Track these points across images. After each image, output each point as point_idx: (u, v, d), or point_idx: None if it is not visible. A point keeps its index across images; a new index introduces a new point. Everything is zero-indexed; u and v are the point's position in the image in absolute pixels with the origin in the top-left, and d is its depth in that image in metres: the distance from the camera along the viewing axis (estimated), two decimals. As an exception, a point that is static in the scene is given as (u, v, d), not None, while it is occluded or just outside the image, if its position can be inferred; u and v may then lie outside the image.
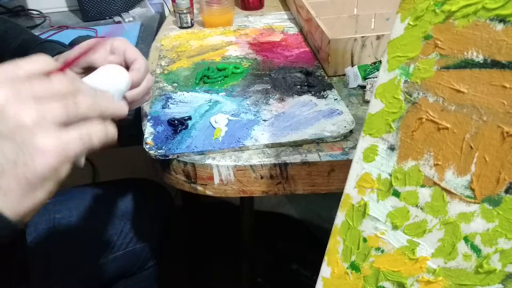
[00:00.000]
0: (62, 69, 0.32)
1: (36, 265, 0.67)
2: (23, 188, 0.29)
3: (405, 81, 0.29)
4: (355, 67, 0.67)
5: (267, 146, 0.55)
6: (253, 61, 0.76)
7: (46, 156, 0.29)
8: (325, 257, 0.38)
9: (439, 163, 0.30)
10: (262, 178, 0.54)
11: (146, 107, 0.66)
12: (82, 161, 0.36)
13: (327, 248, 0.38)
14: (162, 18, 1.12)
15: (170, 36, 0.89)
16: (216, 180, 0.55)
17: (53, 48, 0.57)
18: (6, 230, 0.29)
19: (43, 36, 0.97)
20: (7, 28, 0.64)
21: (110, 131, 0.34)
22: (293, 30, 0.88)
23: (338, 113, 0.59)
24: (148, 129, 0.59)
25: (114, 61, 0.50)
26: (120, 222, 0.76)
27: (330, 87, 0.66)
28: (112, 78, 0.45)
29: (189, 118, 0.60)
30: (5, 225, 0.29)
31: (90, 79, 0.43)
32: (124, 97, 0.48)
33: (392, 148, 0.31)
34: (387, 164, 0.32)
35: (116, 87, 0.45)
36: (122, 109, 0.37)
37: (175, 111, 0.62)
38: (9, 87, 0.29)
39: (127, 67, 0.50)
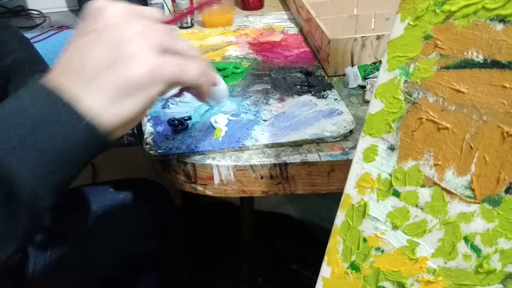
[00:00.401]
0: (172, 21, 0.36)
1: (36, 265, 0.67)
2: (114, 92, 0.30)
3: (405, 81, 0.29)
4: (355, 67, 0.67)
5: (267, 146, 0.55)
6: (253, 61, 0.76)
7: (140, 65, 0.31)
8: (325, 257, 0.38)
9: (439, 163, 0.30)
10: (262, 178, 0.54)
11: (146, 107, 0.66)
12: (171, 92, 0.37)
13: (327, 248, 0.38)
14: (162, 18, 1.12)
15: (170, 36, 0.89)
16: (216, 180, 0.55)
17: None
18: (97, 140, 0.30)
19: (43, 36, 0.97)
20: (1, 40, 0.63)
21: (204, 75, 0.36)
22: (293, 30, 0.88)
23: (338, 113, 0.59)
24: (148, 129, 0.59)
25: None
26: (120, 222, 0.76)
27: (330, 87, 0.66)
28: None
29: (189, 118, 0.60)
30: (97, 135, 0.30)
31: None
32: None
33: (392, 148, 0.31)
34: (387, 164, 0.32)
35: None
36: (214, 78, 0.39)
37: (175, 111, 0.62)
38: (123, 12, 0.32)
39: None
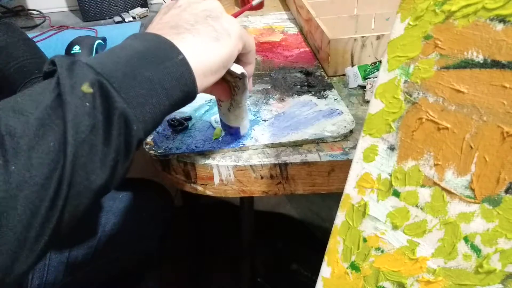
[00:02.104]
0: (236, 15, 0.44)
1: (36, 265, 0.67)
2: (208, 37, 0.37)
3: (405, 81, 0.29)
4: (355, 67, 0.67)
5: (267, 146, 0.55)
6: (253, 61, 0.76)
7: (225, 16, 0.40)
8: (325, 257, 0.38)
9: (439, 163, 0.30)
10: (262, 178, 0.54)
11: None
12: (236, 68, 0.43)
13: (327, 248, 0.38)
14: (162, 18, 1.12)
15: (170, 36, 0.89)
16: (216, 180, 0.55)
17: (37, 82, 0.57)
18: (188, 76, 0.35)
19: (43, 36, 0.97)
20: (7, 44, 0.64)
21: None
22: (293, 30, 0.88)
23: (338, 113, 0.59)
24: (148, 129, 0.59)
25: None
26: (120, 222, 0.76)
27: (330, 87, 0.66)
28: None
29: (189, 118, 0.60)
30: (189, 70, 0.35)
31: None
32: None
33: (392, 148, 0.31)
34: (387, 164, 0.32)
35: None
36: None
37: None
38: None
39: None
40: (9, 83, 0.59)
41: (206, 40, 0.37)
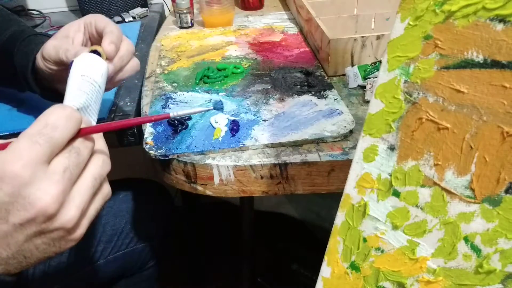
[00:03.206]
0: (88, 132, 0.34)
1: (36, 266, 0.67)
2: (41, 262, 0.34)
3: (405, 81, 0.29)
4: (355, 67, 0.67)
5: (267, 146, 0.55)
6: (253, 61, 0.76)
7: (74, 243, 0.36)
8: (325, 257, 0.38)
9: (439, 163, 0.29)
10: (262, 178, 0.54)
11: (146, 107, 0.66)
12: None
13: (327, 248, 0.38)
14: (162, 18, 1.12)
15: (170, 36, 0.89)
16: (216, 180, 0.55)
17: (37, 42, 0.56)
18: None
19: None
20: None
21: (109, 191, 0.38)
22: (293, 30, 0.88)
23: (338, 113, 0.59)
24: (148, 129, 0.59)
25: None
26: (120, 222, 0.76)
27: (330, 87, 0.66)
28: (92, 73, 0.44)
29: (189, 118, 0.60)
30: None
31: (71, 90, 0.42)
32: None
33: (392, 148, 0.31)
34: (387, 164, 0.32)
35: (99, 80, 0.44)
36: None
37: (175, 111, 0.62)
38: (57, 188, 0.30)
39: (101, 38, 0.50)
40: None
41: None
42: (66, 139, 0.32)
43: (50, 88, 0.57)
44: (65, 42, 0.50)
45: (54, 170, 0.30)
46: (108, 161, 0.36)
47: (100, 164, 0.35)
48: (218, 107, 0.50)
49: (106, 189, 0.36)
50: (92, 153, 0.35)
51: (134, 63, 0.52)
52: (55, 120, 0.31)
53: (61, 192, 0.30)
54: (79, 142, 0.33)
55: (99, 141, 0.36)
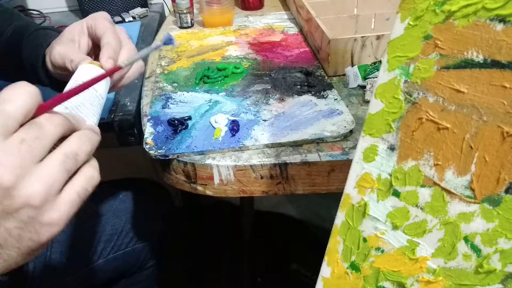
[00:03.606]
0: (50, 106, 0.31)
1: (36, 265, 0.67)
2: (24, 255, 0.30)
3: (405, 81, 0.29)
4: (355, 67, 0.67)
5: (267, 146, 0.55)
6: (253, 61, 0.76)
7: (52, 228, 0.30)
8: (325, 257, 0.38)
9: (439, 163, 0.29)
10: (262, 178, 0.54)
11: (146, 107, 0.66)
12: None
13: (327, 248, 0.38)
14: (162, 18, 1.12)
15: (170, 36, 0.89)
16: (216, 180, 0.55)
17: (46, 36, 0.55)
18: None
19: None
20: None
21: (97, 174, 0.34)
22: (293, 30, 0.88)
23: (338, 113, 0.59)
24: (148, 129, 0.59)
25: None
26: (120, 222, 0.76)
27: (330, 87, 0.66)
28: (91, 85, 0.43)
29: (189, 118, 0.60)
30: None
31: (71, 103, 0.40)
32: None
33: (392, 148, 0.31)
34: (387, 164, 0.32)
35: (99, 93, 0.44)
36: (98, 134, 0.35)
37: (175, 111, 0.62)
38: (12, 159, 0.28)
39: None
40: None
41: (18, 261, 0.31)
42: (21, 113, 0.29)
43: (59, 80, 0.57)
44: (71, 47, 0.50)
45: (9, 142, 0.28)
46: (90, 141, 0.33)
47: (75, 142, 0.32)
48: (167, 42, 0.48)
49: (90, 171, 0.33)
50: (73, 132, 0.32)
51: (137, 67, 0.52)
52: (9, 94, 0.29)
53: (17, 164, 0.28)
54: (42, 117, 0.30)
55: (87, 122, 0.34)
